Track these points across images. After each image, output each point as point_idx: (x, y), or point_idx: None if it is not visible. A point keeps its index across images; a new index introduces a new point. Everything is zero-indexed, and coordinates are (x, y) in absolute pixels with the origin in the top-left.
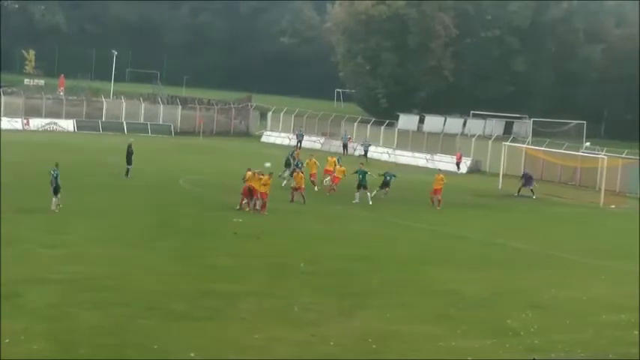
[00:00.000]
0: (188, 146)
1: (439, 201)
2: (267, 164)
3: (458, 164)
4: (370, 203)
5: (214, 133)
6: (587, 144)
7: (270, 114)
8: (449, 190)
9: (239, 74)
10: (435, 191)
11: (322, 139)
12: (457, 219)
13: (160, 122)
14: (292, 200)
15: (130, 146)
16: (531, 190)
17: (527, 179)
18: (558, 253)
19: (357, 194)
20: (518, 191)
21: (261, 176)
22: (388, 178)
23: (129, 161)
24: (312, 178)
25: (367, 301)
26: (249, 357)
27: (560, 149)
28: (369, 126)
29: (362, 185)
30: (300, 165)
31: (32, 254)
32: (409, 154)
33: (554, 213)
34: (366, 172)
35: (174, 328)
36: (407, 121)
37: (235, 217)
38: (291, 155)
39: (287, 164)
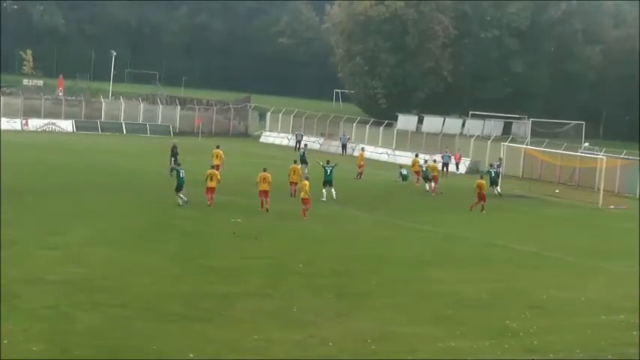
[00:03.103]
0: (187, 147)
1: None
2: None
3: (457, 164)
4: (334, 198)
5: (213, 133)
6: (586, 144)
7: (268, 114)
8: (448, 190)
9: (238, 75)
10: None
11: (321, 140)
12: (456, 219)
13: (159, 123)
14: (292, 195)
15: (175, 147)
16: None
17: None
18: (557, 254)
19: (324, 191)
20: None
21: (305, 181)
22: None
23: (174, 161)
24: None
25: (366, 302)
26: (247, 358)
27: (559, 150)
28: (367, 126)
29: (327, 182)
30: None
31: (30, 255)
32: (408, 154)
33: (553, 214)
34: (332, 168)
35: (173, 330)
36: (406, 122)
37: (233, 217)
38: (304, 152)
39: (303, 161)
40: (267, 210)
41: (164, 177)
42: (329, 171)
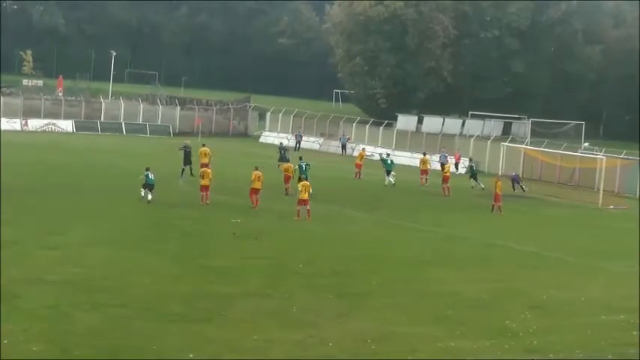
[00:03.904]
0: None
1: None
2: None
3: (456, 165)
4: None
5: (213, 133)
6: (586, 144)
7: (268, 114)
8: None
9: (238, 75)
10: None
11: (321, 140)
12: (456, 220)
13: (159, 123)
14: (287, 193)
15: (187, 146)
16: (521, 187)
17: (514, 180)
18: (557, 254)
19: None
20: (514, 188)
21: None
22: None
23: (187, 161)
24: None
25: (366, 302)
26: (247, 358)
27: (559, 150)
28: (367, 126)
29: (304, 179)
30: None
31: (30, 255)
32: (408, 154)
33: (553, 214)
34: (307, 165)
35: (173, 330)
36: (405, 122)
37: (233, 217)
38: (283, 148)
39: (283, 158)
40: (257, 208)
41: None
42: (304, 167)
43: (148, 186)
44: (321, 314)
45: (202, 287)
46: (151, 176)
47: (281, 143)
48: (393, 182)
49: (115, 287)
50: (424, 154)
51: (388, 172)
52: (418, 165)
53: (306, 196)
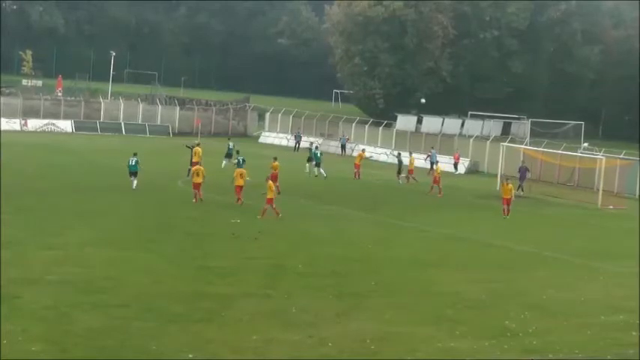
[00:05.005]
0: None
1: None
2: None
3: (456, 165)
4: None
5: (212, 133)
6: (585, 145)
7: (268, 115)
8: (447, 191)
9: (237, 75)
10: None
11: (320, 140)
12: (455, 220)
13: (158, 123)
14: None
15: (194, 146)
16: (520, 187)
17: (522, 174)
18: (556, 254)
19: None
20: (518, 188)
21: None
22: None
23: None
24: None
25: (365, 303)
26: (246, 358)
27: (558, 150)
28: (367, 127)
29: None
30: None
31: (30, 255)
32: (407, 154)
33: (552, 214)
34: (244, 160)
35: (172, 330)
36: (405, 122)
37: (233, 218)
38: (232, 147)
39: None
40: (242, 203)
41: (164, 177)
42: (241, 161)
43: (132, 174)
44: (320, 314)
45: (202, 287)
46: (132, 162)
47: (228, 138)
48: (324, 175)
49: (115, 287)
50: (410, 153)
51: (318, 165)
52: (416, 165)
53: (271, 195)
